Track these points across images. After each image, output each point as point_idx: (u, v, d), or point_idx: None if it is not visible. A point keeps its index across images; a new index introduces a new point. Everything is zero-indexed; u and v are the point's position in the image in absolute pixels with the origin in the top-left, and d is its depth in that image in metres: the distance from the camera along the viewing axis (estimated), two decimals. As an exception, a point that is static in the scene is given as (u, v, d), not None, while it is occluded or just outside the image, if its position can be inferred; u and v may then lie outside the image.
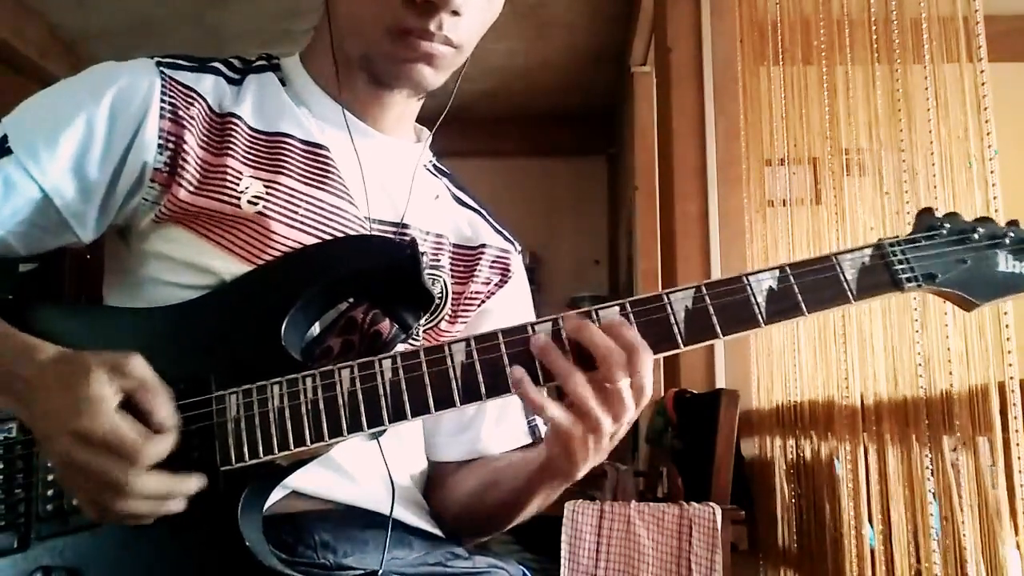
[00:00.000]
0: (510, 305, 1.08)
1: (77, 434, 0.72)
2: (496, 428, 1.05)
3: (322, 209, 0.94)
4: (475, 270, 1.05)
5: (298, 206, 0.92)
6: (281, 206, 0.91)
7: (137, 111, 0.89)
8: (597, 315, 0.81)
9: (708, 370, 3.12)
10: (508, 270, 1.09)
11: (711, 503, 2.23)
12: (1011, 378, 1.45)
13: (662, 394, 2.98)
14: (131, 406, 0.75)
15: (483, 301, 1.06)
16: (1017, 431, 1.41)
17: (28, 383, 0.76)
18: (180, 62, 0.94)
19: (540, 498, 0.96)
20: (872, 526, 1.99)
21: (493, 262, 1.07)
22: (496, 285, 1.07)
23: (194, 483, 0.76)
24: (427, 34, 0.90)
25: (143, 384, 0.75)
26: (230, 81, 0.96)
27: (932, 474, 1.69)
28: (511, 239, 1.12)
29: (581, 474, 0.85)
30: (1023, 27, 3.64)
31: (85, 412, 0.72)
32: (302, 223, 0.92)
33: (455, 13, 0.89)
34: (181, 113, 0.90)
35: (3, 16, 4.54)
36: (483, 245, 1.07)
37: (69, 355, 0.77)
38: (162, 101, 0.90)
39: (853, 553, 2.08)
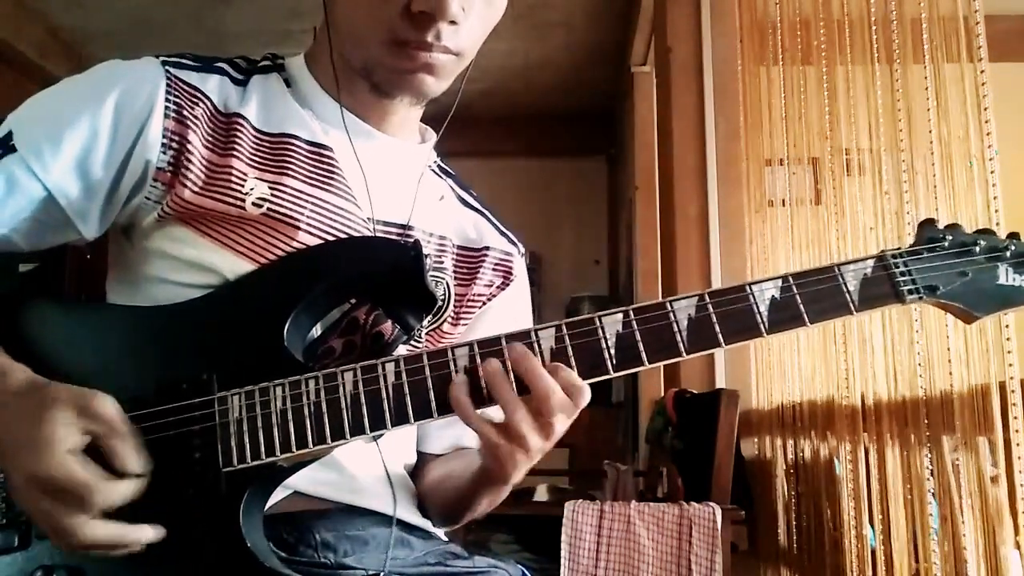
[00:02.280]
0: (510, 307, 1.09)
1: (29, 476, 0.72)
2: None
3: (327, 210, 0.93)
4: (478, 272, 1.05)
5: (303, 207, 0.92)
6: (286, 207, 0.91)
7: (141, 110, 0.88)
8: (601, 322, 0.81)
9: (708, 370, 3.12)
10: (511, 273, 1.09)
11: (711, 503, 2.23)
12: (1011, 378, 1.45)
13: (662, 394, 2.98)
14: (97, 449, 0.74)
15: (485, 303, 1.06)
16: (1017, 431, 1.41)
17: None
18: (186, 61, 0.94)
19: (485, 498, 0.97)
20: (872, 526, 1.99)
21: (496, 264, 1.07)
22: (498, 287, 1.07)
23: (148, 533, 0.76)
24: (425, 45, 0.89)
25: (109, 426, 0.74)
26: (235, 81, 0.96)
27: (932, 474, 1.69)
28: (514, 241, 1.12)
29: (516, 479, 0.86)
30: (1023, 27, 3.64)
31: (40, 454, 0.71)
32: (307, 224, 0.92)
33: (452, 22, 0.88)
34: (186, 113, 0.90)
35: (3, 16, 4.54)
36: (486, 247, 1.07)
37: (35, 388, 0.76)
38: (167, 101, 0.89)
39: (853, 553, 2.08)
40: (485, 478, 0.92)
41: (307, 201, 0.93)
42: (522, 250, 1.13)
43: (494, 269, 1.07)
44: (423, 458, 1.08)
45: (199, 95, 0.92)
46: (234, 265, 0.88)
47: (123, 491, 0.75)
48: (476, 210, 1.10)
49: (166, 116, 0.89)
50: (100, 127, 0.88)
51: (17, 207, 0.87)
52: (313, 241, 0.91)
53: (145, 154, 0.88)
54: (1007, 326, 1.47)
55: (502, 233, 1.10)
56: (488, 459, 0.85)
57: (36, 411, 0.73)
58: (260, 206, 0.90)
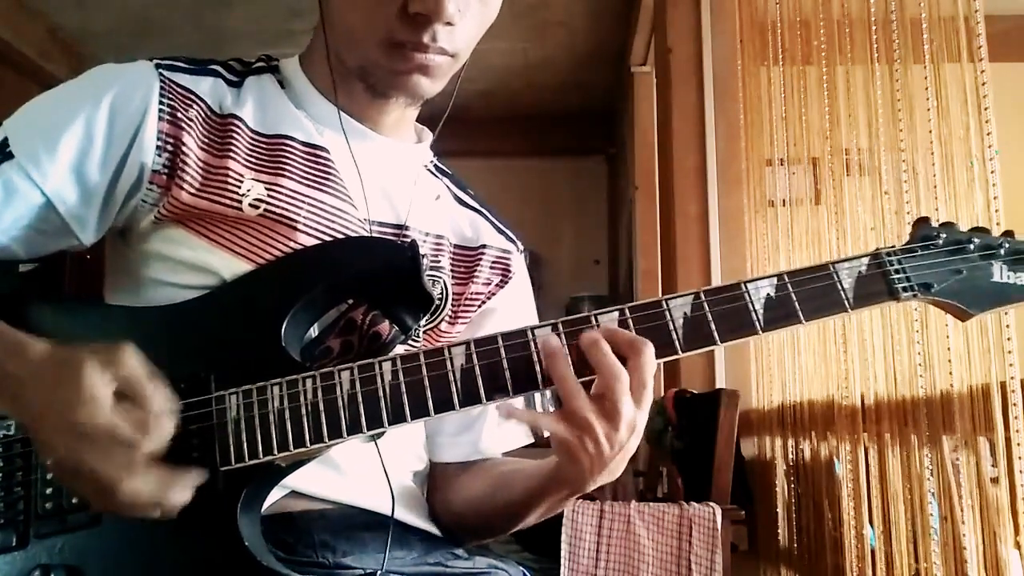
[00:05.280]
0: (512, 305, 1.08)
1: (76, 429, 0.71)
2: (498, 429, 1.05)
3: (323, 211, 0.93)
4: (475, 271, 1.05)
5: (300, 208, 0.92)
6: (284, 208, 0.91)
7: (136, 113, 0.89)
8: (597, 320, 0.81)
9: (708, 370, 3.12)
10: (509, 270, 1.08)
11: (711, 503, 2.23)
12: (1012, 378, 1.45)
13: (662, 394, 2.98)
14: (126, 397, 0.74)
15: (484, 302, 1.06)
16: (1018, 431, 1.41)
17: (20, 381, 0.75)
18: (179, 64, 0.94)
19: (545, 507, 0.96)
20: (872, 526, 1.99)
21: (494, 263, 1.07)
22: (497, 286, 1.07)
23: (193, 477, 0.76)
24: (421, 46, 0.89)
25: (135, 373, 0.74)
26: (230, 83, 0.96)
27: (932, 474, 1.69)
28: (513, 238, 1.11)
29: (593, 485, 0.85)
30: (1023, 27, 3.64)
31: (82, 407, 0.71)
32: (305, 225, 0.92)
33: (448, 23, 0.88)
34: (180, 115, 0.90)
35: (3, 16, 4.54)
36: (483, 246, 1.07)
37: (61, 351, 0.76)
38: (160, 103, 0.89)
39: (853, 553, 2.08)
40: (556, 483, 0.90)
41: (304, 202, 0.93)
42: (521, 247, 1.12)
43: (491, 267, 1.07)
44: (442, 469, 1.06)
45: (193, 97, 0.92)
46: (232, 266, 0.88)
47: (167, 431, 0.74)
48: (473, 208, 1.10)
49: (160, 118, 0.89)
50: (95, 131, 0.88)
51: (16, 214, 0.87)
52: (311, 242, 0.91)
53: (140, 157, 0.88)
54: (1008, 326, 1.47)
55: (500, 231, 1.10)
56: (564, 460, 0.83)
57: (70, 369, 0.73)
58: (257, 207, 0.90)
